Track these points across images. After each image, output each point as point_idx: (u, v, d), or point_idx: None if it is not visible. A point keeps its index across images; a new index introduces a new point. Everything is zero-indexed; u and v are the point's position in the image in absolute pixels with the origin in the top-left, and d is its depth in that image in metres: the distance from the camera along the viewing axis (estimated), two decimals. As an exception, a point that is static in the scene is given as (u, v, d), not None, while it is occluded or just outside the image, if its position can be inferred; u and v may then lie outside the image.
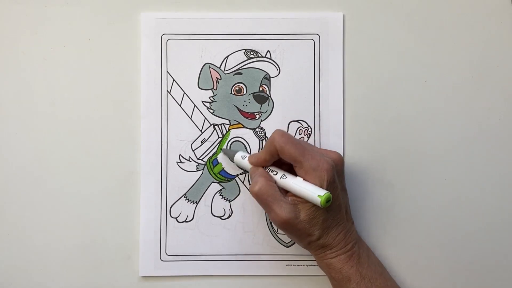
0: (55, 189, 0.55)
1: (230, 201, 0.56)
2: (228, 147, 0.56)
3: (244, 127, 0.56)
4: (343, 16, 0.56)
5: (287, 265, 0.55)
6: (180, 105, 0.55)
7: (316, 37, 0.56)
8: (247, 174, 0.56)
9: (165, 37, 0.56)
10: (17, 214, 0.55)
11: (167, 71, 0.55)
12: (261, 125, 0.56)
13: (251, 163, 0.52)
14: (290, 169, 0.50)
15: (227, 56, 0.56)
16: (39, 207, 0.55)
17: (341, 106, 0.55)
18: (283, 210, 0.47)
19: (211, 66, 0.56)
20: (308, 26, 0.56)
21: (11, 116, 0.55)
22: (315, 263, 0.55)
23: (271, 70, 0.56)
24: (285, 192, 0.50)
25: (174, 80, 0.55)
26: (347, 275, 0.49)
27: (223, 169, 0.56)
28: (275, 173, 0.50)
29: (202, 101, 0.56)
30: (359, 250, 0.51)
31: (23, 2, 0.56)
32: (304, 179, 0.48)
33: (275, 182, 0.50)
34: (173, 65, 0.55)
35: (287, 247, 0.55)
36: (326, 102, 0.55)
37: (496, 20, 0.56)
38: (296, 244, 0.55)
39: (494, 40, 0.56)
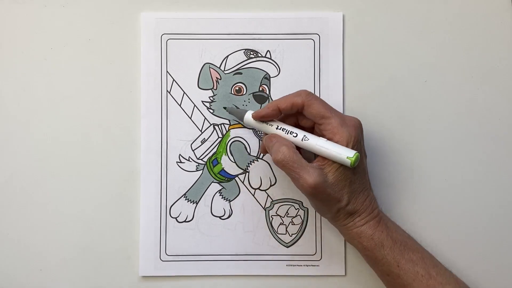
0: (55, 189, 0.55)
1: (230, 201, 0.55)
2: (228, 147, 0.56)
3: (244, 127, 0.56)
4: (343, 16, 0.56)
5: (287, 265, 0.55)
6: (180, 105, 0.55)
7: (316, 37, 0.56)
8: (247, 174, 0.55)
9: (165, 37, 0.56)
10: (17, 214, 0.55)
11: (167, 71, 0.56)
12: (261, 125, 0.56)
13: (258, 114, 0.50)
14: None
15: (227, 56, 0.56)
16: (39, 207, 0.55)
17: (341, 106, 0.55)
18: (311, 175, 0.46)
19: (211, 66, 0.56)
20: (308, 26, 0.56)
21: (11, 116, 0.55)
22: (315, 263, 0.55)
23: (271, 70, 0.56)
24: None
25: (174, 80, 0.55)
26: (379, 241, 0.49)
27: (223, 169, 0.56)
28: (294, 135, 0.49)
29: (202, 101, 0.56)
30: (385, 216, 0.51)
31: (23, 2, 0.56)
32: (328, 139, 0.47)
33: (296, 146, 0.49)
34: (173, 65, 0.55)
35: (287, 247, 0.55)
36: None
37: (496, 20, 0.56)
38: (296, 244, 0.55)
39: (494, 40, 0.56)
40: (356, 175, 0.49)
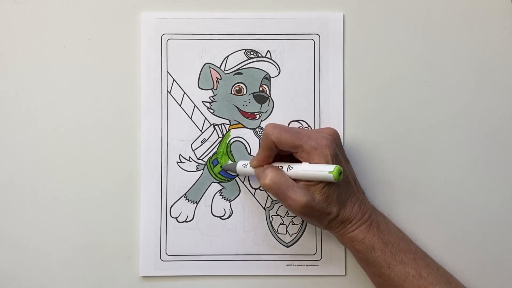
0: (55, 189, 0.55)
1: (230, 201, 0.56)
2: (229, 148, 0.56)
3: (244, 127, 0.56)
4: (343, 16, 0.56)
5: (287, 265, 0.55)
6: (180, 105, 0.55)
7: (316, 37, 0.56)
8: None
9: (165, 37, 0.56)
10: (17, 214, 0.55)
11: (167, 71, 0.55)
12: (261, 125, 0.56)
13: (254, 166, 0.52)
14: (290, 161, 0.50)
15: (227, 56, 0.56)
16: (39, 207, 0.55)
17: (341, 106, 0.55)
18: (299, 194, 0.47)
19: (211, 66, 0.56)
20: (308, 26, 0.56)
21: (11, 116, 0.55)
22: (315, 263, 0.55)
23: (271, 70, 0.56)
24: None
25: (174, 80, 0.55)
26: (370, 244, 0.49)
27: (223, 169, 0.56)
28: (280, 167, 0.50)
29: (202, 101, 0.56)
30: (377, 218, 0.51)
31: (23, 2, 0.56)
32: (309, 163, 0.48)
33: None
34: (173, 65, 0.55)
35: (287, 247, 0.55)
36: (326, 102, 0.55)
37: (496, 20, 0.56)
38: (296, 244, 0.55)
39: (494, 40, 0.56)
40: (341, 186, 0.49)
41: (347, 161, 0.52)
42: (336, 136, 0.51)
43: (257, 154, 0.51)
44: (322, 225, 0.50)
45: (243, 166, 0.53)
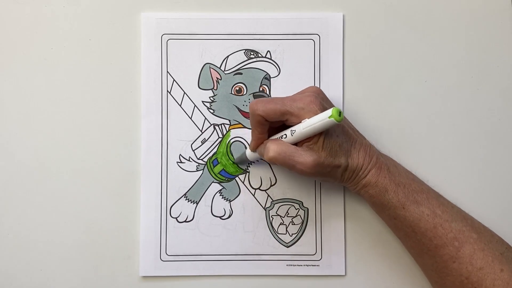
0: (55, 189, 0.55)
1: (230, 201, 0.56)
2: (229, 148, 0.56)
3: (244, 127, 0.56)
4: (343, 16, 0.56)
5: (287, 265, 0.55)
6: (180, 105, 0.55)
7: (316, 37, 0.56)
8: (248, 174, 0.56)
9: (165, 37, 0.56)
10: (17, 214, 0.55)
11: (167, 71, 0.56)
12: (261, 125, 0.56)
13: (253, 148, 0.52)
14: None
15: (227, 56, 0.56)
16: (39, 207, 0.55)
17: (341, 106, 0.55)
18: (306, 156, 0.48)
19: (211, 66, 0.56)
20: (308, 26, 0.56)
21: (11, 116, 0.55)
22: (315, 263, 0.55)
23: (271, 70, 0.56)
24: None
25: (174, 80, 0.55)
26: (383, 186, 0.50)
27: (223, 169, 0.56)
28: (284, 136, 0.50)
29: (202, 101, 0.56)
30: (385, 161, 0.51)
31: (23, 2, 0.56)
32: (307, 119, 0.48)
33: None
34: (173, 65, 0.55)
35: (287, 247, 0.55)
36: (326, 102, 0.55)
37: (496, 20, 0.56)
38: (296, 244, 0.55)
39: (494, 40, 0.56)
40: (340, 136, 0.49)
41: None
42: (319, 91, 0.51)
43: (251, 136, 0.51)
44: (336, 179, 0.50)
45: (253, 153, 0.53)
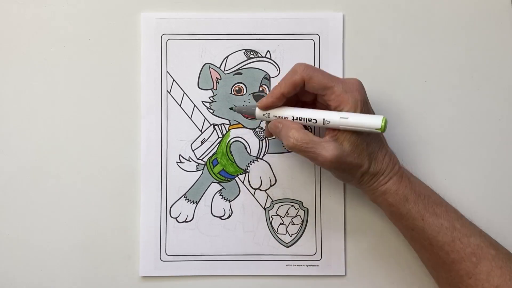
0: (55, 189, 0.55)
1: (230, 201, 0.56)
2: (229, 148, 0.56)
3: (244, 127, 0.56)
4: (343, 16, 0.56)
5: (287, 265, 0.55)
6: (180, 105, 0.55)
7: (316, 37, 0.56)
8: (247, 174, 0.55)
9: (165, 37, 0.56)
10: (17, 214, 0.55)
11: (167, 71, 0.56)
12: (261, 125, 0.56)
13: (265, 104, 0.49)
14: (302, 106, 0.49)
15: (227, 56, 0.56)
16: (39, 207, 0.55)
17: (341, 106, 0.55)
18: (328, 149, 0.46)
19: (211, 66, 0.56)
20: (308, 26, 0.56)
21: (11, 116, 0.55)
22: (315, 263, 0.55)
23: (271, 70, 0.56)
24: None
25: (174, 80, 0.56)
26: (404, 195, 0.48)
27: (223, 169, 0.56)
28: (314, 121, 0.47)
29: (202, 101, 0.56)
30: (406, 170, 0.51)
31: (23, 2, 0.56)
32: (334, 108, 0.46)
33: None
34: (173, 65, 0.55)
35: (287, 247, 0.55)
36: (326, 102, 0.55)
37: (496, 20, 0.56)
38: (296, 244, 0.55)
39: (494, 40, 0.56)
40: (371, 135, 0.48)
41: (372, 112, 0.50)
42: (363, 87, 0.49)
43: (272, 90, 0.49)
44: (354, 178, 0.49)
45: (264, 115, 0.50)
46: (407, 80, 0.56)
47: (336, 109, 0.47)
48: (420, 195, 0.49)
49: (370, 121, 0.45)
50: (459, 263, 0.47)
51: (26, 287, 0.55)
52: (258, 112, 0.50)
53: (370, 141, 0.48)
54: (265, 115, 0.50)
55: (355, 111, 0.47)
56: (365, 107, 0.47)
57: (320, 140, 0.47)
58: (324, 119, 0.47)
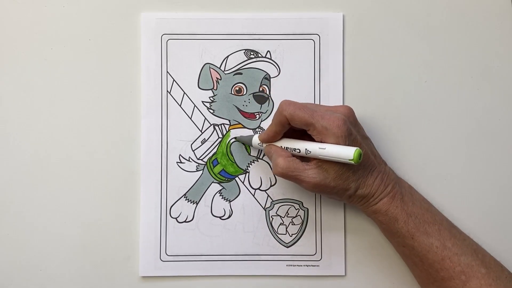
0: (55, 189, 0.55)
1: (230, 201, 0.56)
2: (229, 148, 0.56)
3: (244, 127, 0.56)
4: (343, 16, 0.56)
5: (287, 265, 0.55)
6: (180, 105, 0.55)
7: (316, 37, 0.56)
8: (247, 174, 0.56)
9: (165, 37, 0.56)
10: (17, 214, 0.55)
11: (167, 71, 0.55)
12: (261, 125, 0.56)
13: (262, 140, 0.52)
14: (301, 136, 0.51)
15: (227, 56, 0.56)
16: (39, 207, 0.55)
17: (341, 106, 0.55)
18: (311, 176, 0.48)
19: (211, 66, 0.56)
20: (308, 26, 0.56)
21: (11, 116, 0.55)
22: (315, 263, 0.55)
23: (271, 70, 0.56)
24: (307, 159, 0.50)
25: (174, 80, 0.55)
26: (393, 216, 0.49)
27: (223, 169, 0.56)
28: (298, 151, 0.50)
29: (202, 101, 0.56)
30: (401, 190, 0.51)
31: (23, 2, 0.56)
32: (325, 145, 0.48)
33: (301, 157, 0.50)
34: (173, 65, 0.55)
35: (287, 247, 0.55)
36: (326, 102, 0.55)
37: (496, 20, 0.56)
38: (296, 244, 0.55)
39: (494, 40, 0.56)
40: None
41: (364, 137, 0.52)
42: (351, 114, 0.51)
43: (268, 128, 0.52)
44: (342, 199, 0.51)
45: (258, 144, 0.53)
46: (407, 80, 0.56)
47: (321, 142, 0.49)
48: (411, 215, 0.50)
49: (344, 153, 0.47)
50: (448, 280, 0.49)
51: (26, 287, 0.55)
52: (254, 141, 0.54)
53: (358, 167, 0.49)
54: (259, 144, 0.53)
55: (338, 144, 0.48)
56: (349, 140, 0.48)
57: (304, 168, 0.49)
58: (306, 149, 0.49)
